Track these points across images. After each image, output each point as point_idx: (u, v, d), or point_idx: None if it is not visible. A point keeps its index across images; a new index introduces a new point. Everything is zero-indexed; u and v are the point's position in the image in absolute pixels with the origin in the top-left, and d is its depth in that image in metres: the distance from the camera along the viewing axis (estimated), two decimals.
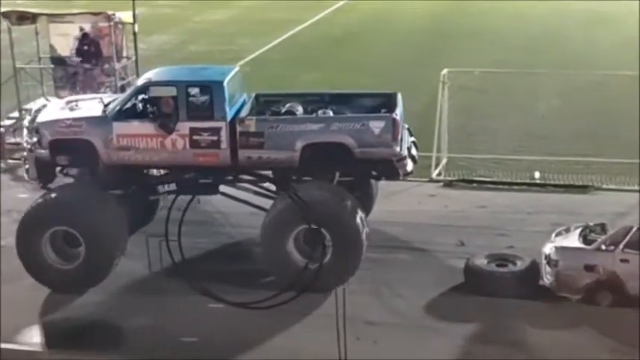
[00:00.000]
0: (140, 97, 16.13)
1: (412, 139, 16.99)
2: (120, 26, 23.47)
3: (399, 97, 16.77)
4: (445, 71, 21.93)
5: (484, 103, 25.46)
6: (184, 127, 15.69)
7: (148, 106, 15.99)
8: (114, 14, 22.97)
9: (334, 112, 16.35)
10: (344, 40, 37.09)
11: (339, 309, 12.12)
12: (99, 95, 18.38)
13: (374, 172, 16.53)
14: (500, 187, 20.64)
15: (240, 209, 17.21)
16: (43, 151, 16.19)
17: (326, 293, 14.62)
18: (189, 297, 14.91)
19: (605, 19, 36.85)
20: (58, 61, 23.53)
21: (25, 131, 17.26)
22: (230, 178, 16.64)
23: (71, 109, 16.69)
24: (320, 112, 16.36)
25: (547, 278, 14.85)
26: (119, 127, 15.85)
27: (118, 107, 16.09)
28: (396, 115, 15.88)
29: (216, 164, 15.93)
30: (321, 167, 15.88)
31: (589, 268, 14.45)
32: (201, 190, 16.51)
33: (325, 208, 15.17)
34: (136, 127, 15.87)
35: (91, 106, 16.82)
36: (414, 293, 15.28)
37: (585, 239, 15.10)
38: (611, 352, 13.26)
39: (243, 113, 16.21)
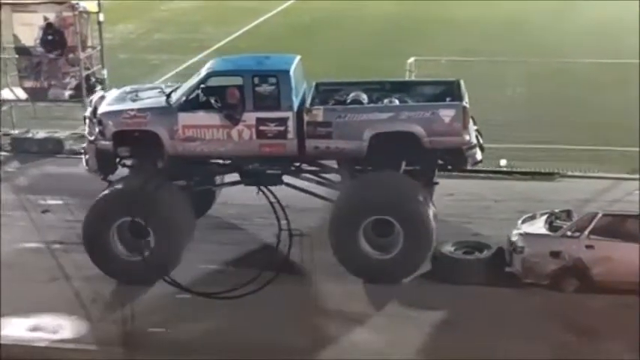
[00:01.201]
0: (204, 87, 15.93)
1: (476, 127, 16.64)
2: (85, 15, 23.27)
3: (462, 84, 16.61)
4: (411, 59, 21.98)
5: None
6: (251, 117, 15.47)
7: (212, 96, 15.78)
8: (78, 3, 22.79)
9: (398, 101, 16.17)
10: (311, 29, 36.98)
11: (314, 299, 12.13)
12: (158, 85, 18.14)
13: (442, 162, 16.28)
14: (467, 175, 20.70)
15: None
16: (105, 142, 15.89)
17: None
18: (157, 288, 14.91)
19: (569, 7, 37.02)
20: (22, 50, 23.30)
21: (86, 122, 16.87)
22: (293, 168, 16.39)
23: (132, 100, 16.40)
24: (386, 100, 16.17)
25: (513, 265, 14.97)
26: (185, 118, 15.58)
27: (183, 97, 15.81)
28: (466, 102, 15.70)
29: (282, 155, 15.71)
30: (390, 157, 15.60)
31: (554, 255, 14.59)
32: (266, 181, 15.98)
33: (398, 199, 15.10)
34: (201, 117, 15.61)
35: (152, 96, 16.55)
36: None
37: (551, 226, 15.24)
38: (577, 336, 13.41)
39: (307, 103, 15.96)
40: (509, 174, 20.65)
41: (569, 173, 20.28)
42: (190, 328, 13.99)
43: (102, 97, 16.97)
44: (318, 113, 15.54)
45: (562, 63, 25.97)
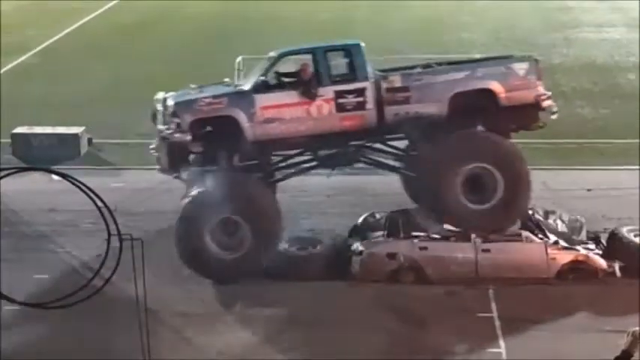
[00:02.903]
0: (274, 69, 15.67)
1: None
2: None
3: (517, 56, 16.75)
4: (240, 58, 21.90)
5: None
6: (328, 91, 15.28)
7: (283, 77, 15.62)
8: None
9: None
10: (137, 28, 36.24)
11: (141, 304, 11.81)
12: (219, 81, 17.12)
13: (515, 124, 15.99)
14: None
15: None
16: (181, 135, 15.11)
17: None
18: None
19: (394, 6, 37.88)
20: None
21: (158, 119, 16.04)
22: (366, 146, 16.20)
23: (201, 92, 15.76)
24: None
25: (353, 267, 15.15)
26: (262, 99, 15.26)
27: (256, 80, 15.46)
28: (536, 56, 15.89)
29: (362, 127, 15.47)
30: (467, 119, 15.38)
31: (391, 256, 14.94)
32: (340, 162, 16.10)
33: (497, 148, 15.13)
34: (279, 97, 15.34)
35: (219, 86, 16.12)
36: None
37: (390, 227, 15.64)
38: (409, 325, 13.75)
39: None
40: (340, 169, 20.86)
41: None
42: (18, 339, 13.48)
43: (165, 98, 16.18)
44: (396, 79, 15.48)
45: (389, 59, 26.45)
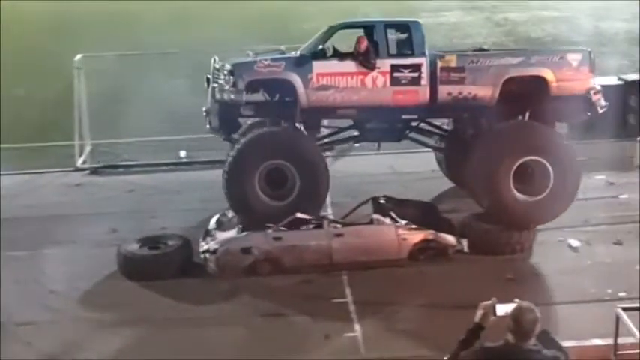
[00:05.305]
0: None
1: None
2: None
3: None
4: (79, 56, 21.35)
5: (124, 87, 25.17)
6: (385, 64, 15.56)
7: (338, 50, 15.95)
8: None
9: None
10: None
11: None
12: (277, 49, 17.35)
13: (562, 114, 16.17)
14: (147, 169, 20.58)
15: None
16: (236, 94, 15.45)
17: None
18: None
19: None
20: None
21: (211, 79, 16.06)
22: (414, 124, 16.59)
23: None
24: None
25: (209, 266, 14.98)
26: (319, 66, 15.58)
27: (315, 47, 15.78)
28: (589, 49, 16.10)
29: (414, 102, 15.71)
30: (517, 104, 15.66)
31: (246, 251, 14.87)
32: (386, 137, 16.43)
33: (552, 141, 15.42)
34: (336, 65, 15.68)
35: (275, 54, 16.36)
36: (67, 287, 14.72)
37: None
38: (271, 316, 13.68)
39: None
40: (189, 165, 20.73)
41: None
42: None
43: (221, 63, 16.30)
44: (452, 59, 15.72)
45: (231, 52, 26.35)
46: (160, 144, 21.63)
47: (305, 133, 16.24)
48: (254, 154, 15.54)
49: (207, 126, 16.51)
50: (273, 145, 15.60)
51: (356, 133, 16.97)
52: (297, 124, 16.07)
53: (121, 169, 20.66)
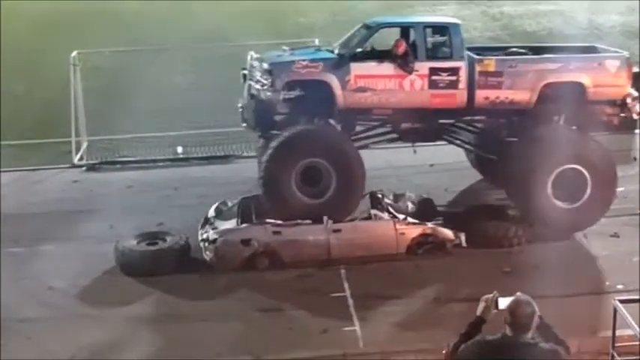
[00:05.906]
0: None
1: None
2: None
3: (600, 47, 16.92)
4: (75, 53, 21.32)
5: (121, 83, 25.14)
6: (423, 67, 15.45)
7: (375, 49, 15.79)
8: None
9: None
10: None
11: None
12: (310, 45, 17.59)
13: (598, 120, 15.98)
14: (145, 165, 20.56)
15: None
16: (274, 93, 15.27)
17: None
18: None
19: None
20: None
21: (247, 77, 16.06)
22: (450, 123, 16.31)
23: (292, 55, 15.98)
24: None
25: (207, 255, 14.98)
26: (357, 68, 15.43)
27: (353, 48, 15.70)
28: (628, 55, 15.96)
29: (451, 106, 15.59)
30: (554, 110, 15.57)
31: (245, 242, 14.86)
32: (422, 137, 16.30)
33: (590, 149, 15.39)
34: (374, 67, 15.50)
35: (309, 50, 16.45)
36: (65, 284, 14.68)
37: (243, 213, 15.58)
38: (270, 310, 13.67)
39: None
40: (186, 160, 20.74)
41: (245, 154, 20.66)
42: None
43: (259, 59, 16.18)
44: (490, 63, 15.56)
45: (227, 47, 26.31)
46: (157, 140, 21.61)
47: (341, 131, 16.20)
48: (292, 151, 15.36)
49: (243, 123, 16.60)
50: (310, 142, 15.42)
51: (389, 130, 16.62)
52: (332, 122, 16.04)
53: (118, 165, 20.65)
